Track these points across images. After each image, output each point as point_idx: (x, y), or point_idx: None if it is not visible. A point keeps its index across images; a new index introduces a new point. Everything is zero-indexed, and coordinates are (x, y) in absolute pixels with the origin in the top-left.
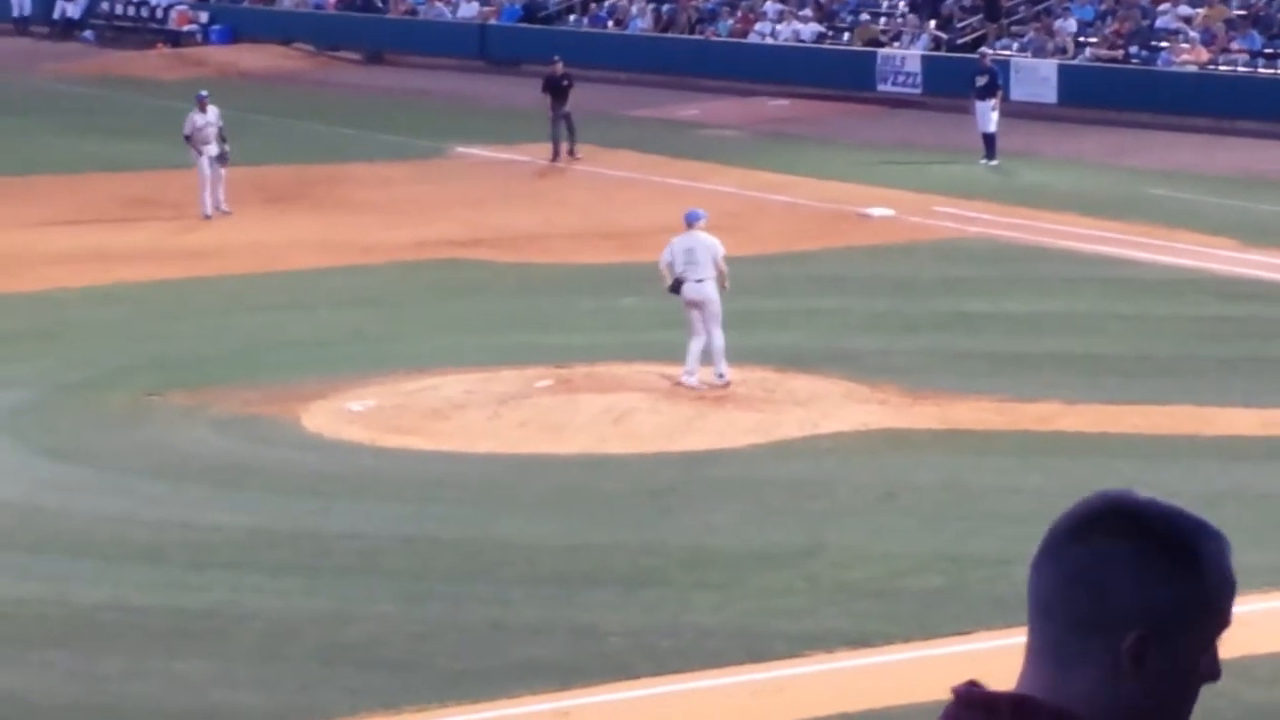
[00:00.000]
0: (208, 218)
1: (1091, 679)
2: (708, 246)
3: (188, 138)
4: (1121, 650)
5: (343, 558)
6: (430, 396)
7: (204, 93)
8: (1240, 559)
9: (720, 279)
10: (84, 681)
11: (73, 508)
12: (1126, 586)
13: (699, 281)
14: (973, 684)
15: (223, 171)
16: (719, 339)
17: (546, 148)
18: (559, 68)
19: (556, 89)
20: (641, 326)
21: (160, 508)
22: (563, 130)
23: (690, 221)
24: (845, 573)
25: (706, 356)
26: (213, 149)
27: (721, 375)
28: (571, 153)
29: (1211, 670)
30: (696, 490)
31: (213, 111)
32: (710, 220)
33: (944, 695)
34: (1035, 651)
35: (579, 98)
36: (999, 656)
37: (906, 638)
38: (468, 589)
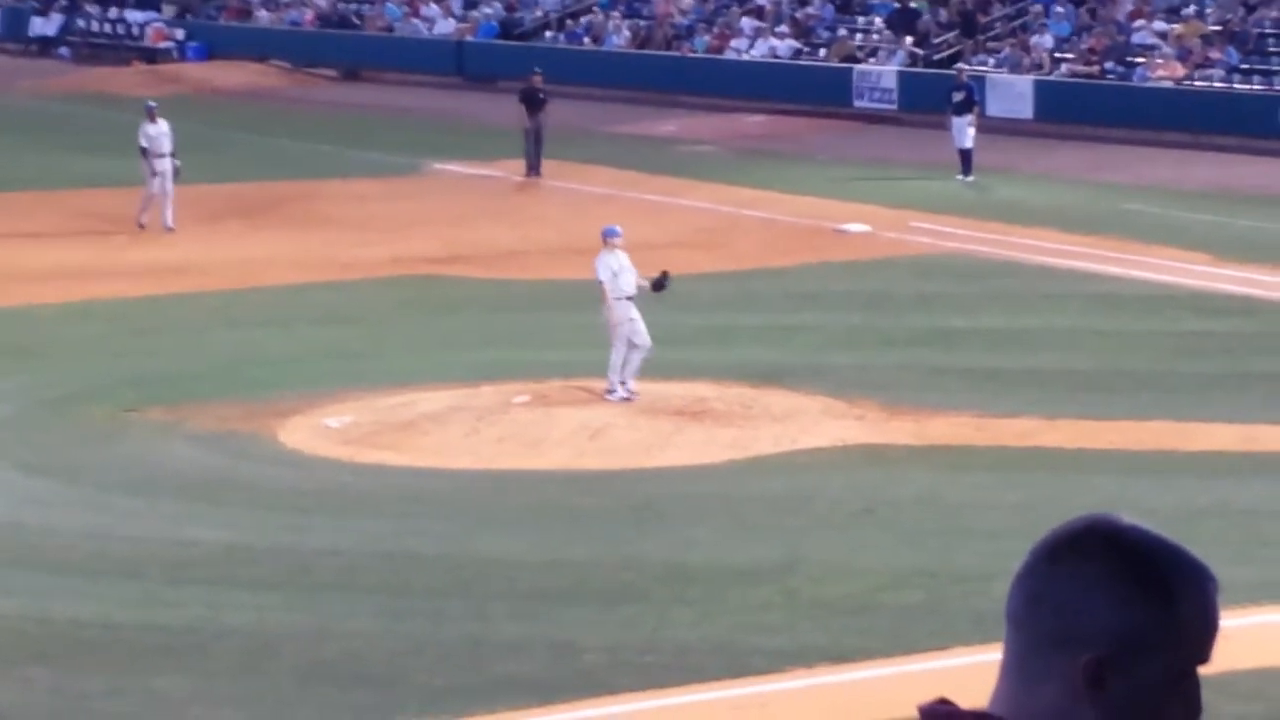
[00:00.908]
0: (143, 226)
1: (1051, 698)
2: (629, 264)
3: (144, 150)
4: (1076, 672)
5: (321, 574)
6: (408, 412)
7: (153, 103)
8: (1221, 574)
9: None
10: (64, 698)
11: (51, 523)
12: (1091, 607)
13: (630, 298)
14: (941, 701)
15: (170, 188)
16: (638, 355)
17: (523, 164)
18: (538, 80)
19: (532, 101)
20: None
21: (139, 523)
22: (530, 144)
23: (609, 237)
24: (823, 588)
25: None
26: (166, 164)
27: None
28: (536, 170)
29: (1189, 707)
30: (674, 506)
31: (164, 123)
32: (688, 236)
33: None
34: (1005, 667)
35: (557, 113)
36: (977, 672)
37: (885, 653)
38: (446, 605)
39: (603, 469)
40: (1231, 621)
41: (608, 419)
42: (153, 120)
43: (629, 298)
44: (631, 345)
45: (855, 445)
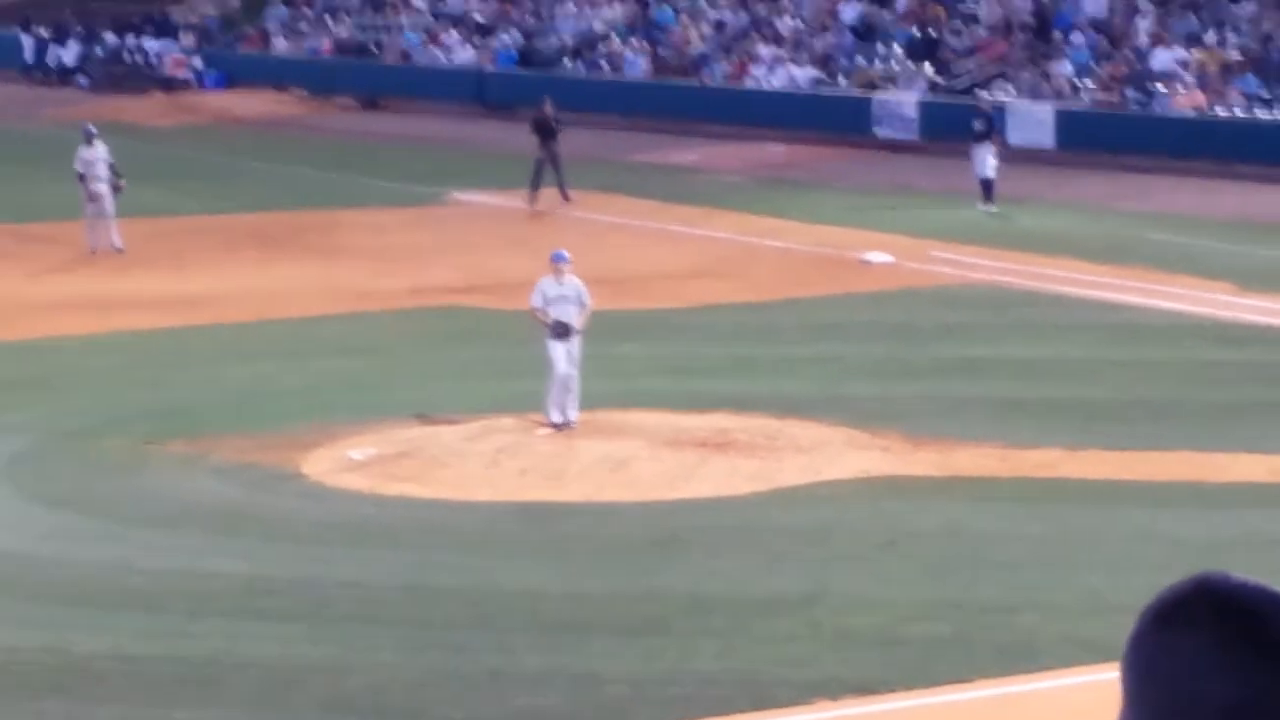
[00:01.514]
0: (94, 251)
1: None
2: (576, 289)
3: (80, 176)
4: None
5: (343, 606)
6: (430, 444)
7: (91, 128)
8: None
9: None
10: None
11: (70, 556)
12: (1204, 678)
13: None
14: None
15: (110, 209)
16: (576, 380)
17: (542, 194)
18: (548, 108)
19: (546, 131)
20: (640, 373)
21: (158, 556)
22: (549, 174)
23: (554, 262)
24: (847, 620)
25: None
26: (104, 187)
27: (571, 420)
28: (565, 196)
29: None
30: (697, 537)
31: (100, 146)
32: (708, 265)
33: None
34: None
35: (576, 141)
36: (1002, 705)
37: (909, 685)
38: (468, 637)
39: (625, 500)
40: None
41: (630, 451)
42: (89, 144)
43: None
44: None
45: (878, 476)
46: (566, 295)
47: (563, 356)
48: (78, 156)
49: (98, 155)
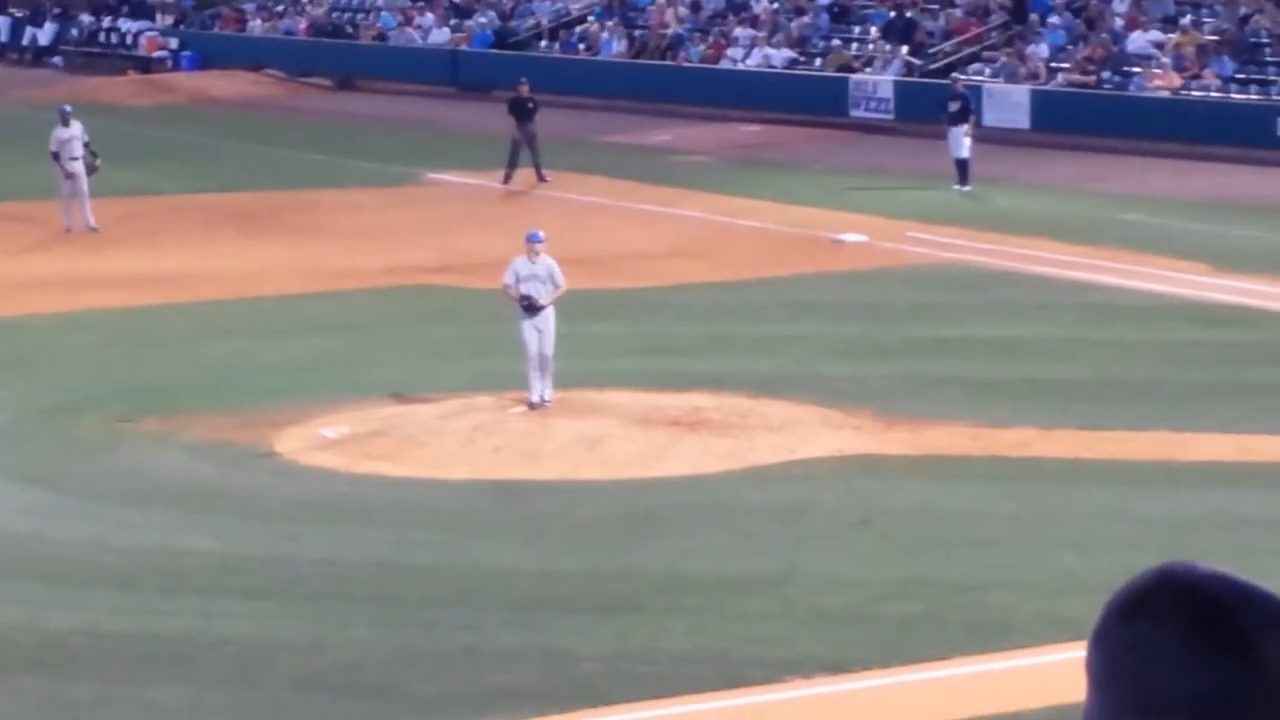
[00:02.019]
0: (69, 230)
1: None
2: (549, 268)
3: (55, 154)
4: None
5: (316, 584)
6: (404, 422)
7: (67, 108)
8: None
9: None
10: (55, 708)
11: (44, 533)
12: (1169, 673)
13: (548, 311)
14: None
15: (85, 188)
16: (551, 361)
17: (518, 174)
18: (524, 90)
19: (522, 111)
20: (615, 353)
21: (132, 533)
22: (525, 154)
23: (529, 242)
24: (821, 598)
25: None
26: (79, 166)
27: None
28: (541, 176)
29: None
30: (671, 516)
31: (76, 126)
32: (683, 245)
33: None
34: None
35: (552, 122)
36: (975, 682)
37: (883, 663)
38: (442, 615)
39: (599, 479)
40: None
41: (605, 429)
42: (65, 124)
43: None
44: (541, 354)
45: (852, 455)
46: (538, 274)
47: (534, 336)
48: (53, 136)
49: (73, 135)
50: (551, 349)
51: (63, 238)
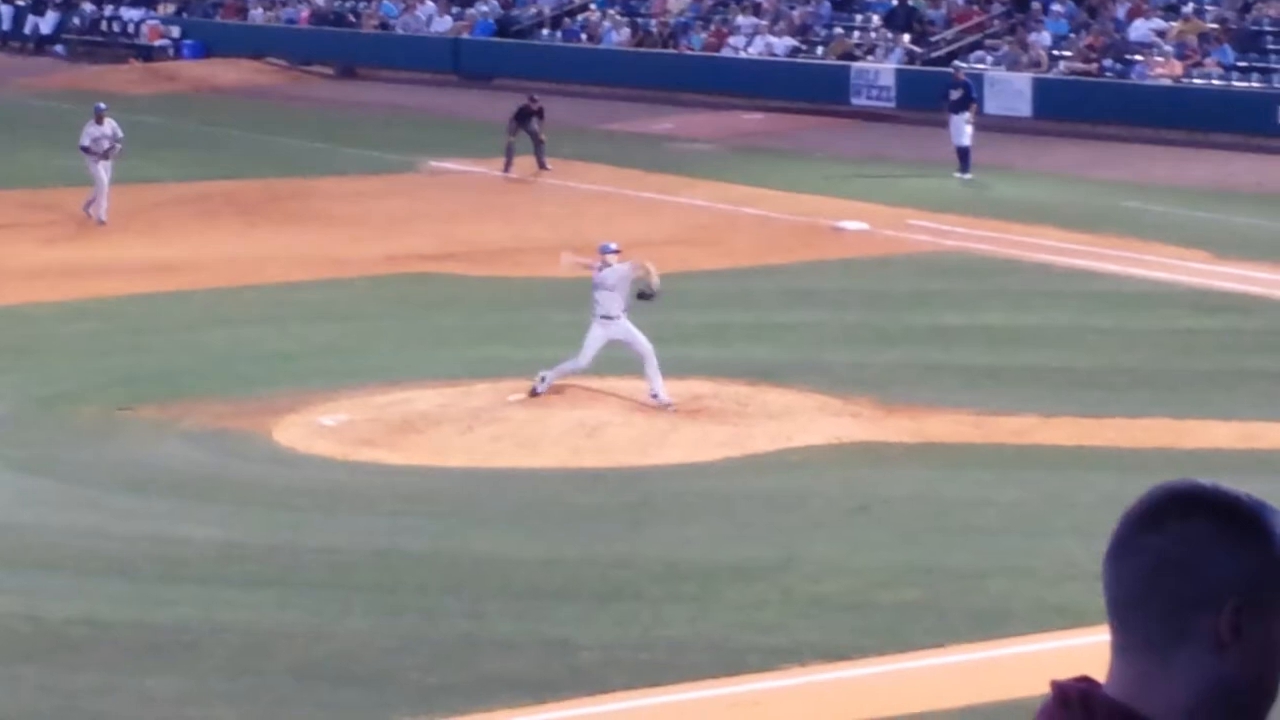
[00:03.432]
0: (91, 219)
1: (1189, 660)
2: (617, 276)
3: (85, 148)
4: (1220, 623)
5: (315, 572)
6: (403, 410)
7: (102, 105)
8: None
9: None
10: (55, 697)
11: (44, 522)
12: (1215, 560)
13: (614, 320)
14: (1081, 679)
15: (105, 180)
16: (577, 365)
17: (519, 162)
18: (533, 104)
19: (525, 119)
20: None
21: (131, 522)
22: (525, 144)
23: (603, 252)
24: (819, 586)
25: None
26: (109, 163)
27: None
28: (542, 164)
29: None
30: (669, 504)
31: (109, 124)
32: (685, 233)
33: (920, 708)
34: (1123, 648)
35: (554, 111)
36: (974, 670)
37: (881, 651)
38: (440, 603)
39: (598, 467)
40: None
41: (603, 417)
42: (99, 122)
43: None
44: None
45: (851, 443)
46: (605, 282)
47: (595, 343)
48: (85, 131)
49: (104, 133)
50: (643, 349)
51: (62, 223)
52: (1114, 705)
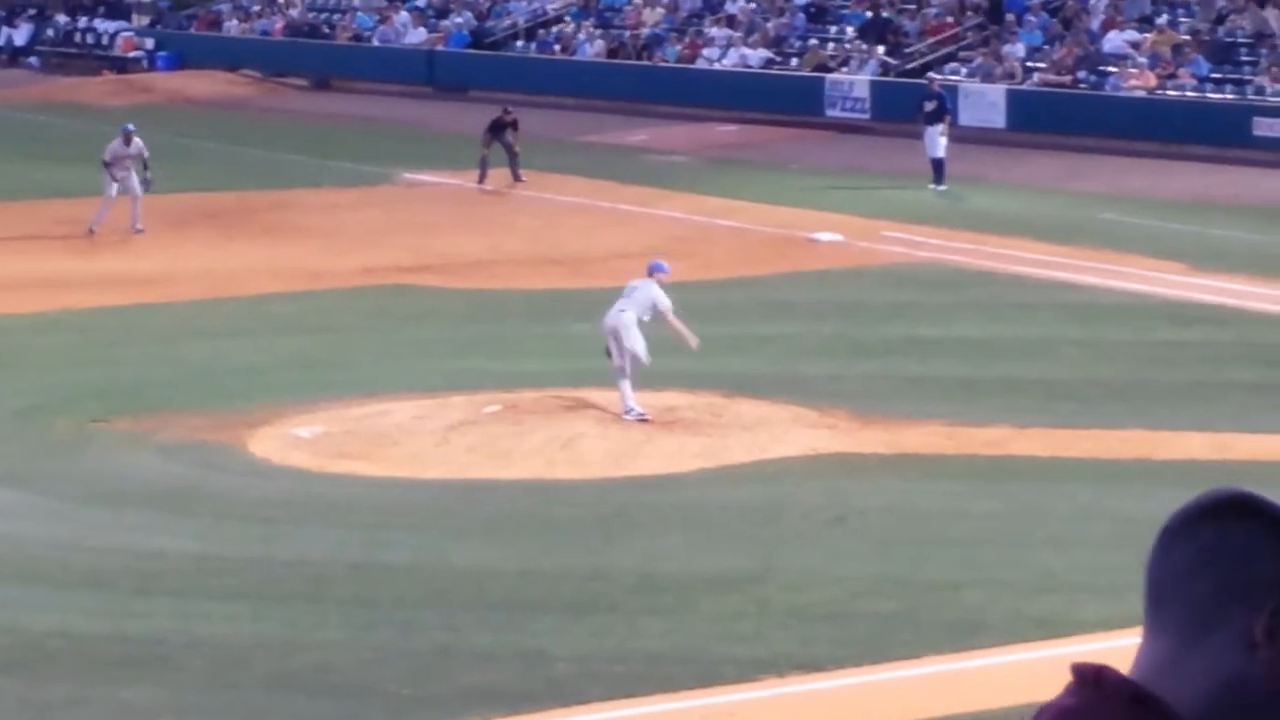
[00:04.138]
0: (92, 232)
1: (1217, 651)
2: (649, 292)
3: (106, 164)
4: (1258, 623)
5: (291, 584)
6: (378, 422)
7: (130, 126)
8: None
9: (681, 338)
10: (30, 709)
11: (18, 534)
12: (1266, 559)
13: (621, 310)
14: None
15: (140, 193)
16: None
17: (494, 174)
18: (507, 116)
19: (499, 130)
20: (591, 353)
21: (106, 534)
22: (499, 154)
23: (651, 271)
24: (796, 597)
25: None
26: (132, 177)
27: (630, 411)
28: (517, 177)
29: None
30: (645, 515)
31: (136, 145)
32: (661, 245)
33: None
34: (1153, 630)
35: (528, 123)
36: (950, 681)
37: (858, 662)
38: (416, 615)
39: (573, 479)
40: None
41: (578, 429)
42: (126, 143)
43: (620, 310)
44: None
45: (827, 454)
46: (638, 289)
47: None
48: (109, 149)
49: (130, 154)
50: (623, 361)
51: (35, 235)
52: (1126, 683)
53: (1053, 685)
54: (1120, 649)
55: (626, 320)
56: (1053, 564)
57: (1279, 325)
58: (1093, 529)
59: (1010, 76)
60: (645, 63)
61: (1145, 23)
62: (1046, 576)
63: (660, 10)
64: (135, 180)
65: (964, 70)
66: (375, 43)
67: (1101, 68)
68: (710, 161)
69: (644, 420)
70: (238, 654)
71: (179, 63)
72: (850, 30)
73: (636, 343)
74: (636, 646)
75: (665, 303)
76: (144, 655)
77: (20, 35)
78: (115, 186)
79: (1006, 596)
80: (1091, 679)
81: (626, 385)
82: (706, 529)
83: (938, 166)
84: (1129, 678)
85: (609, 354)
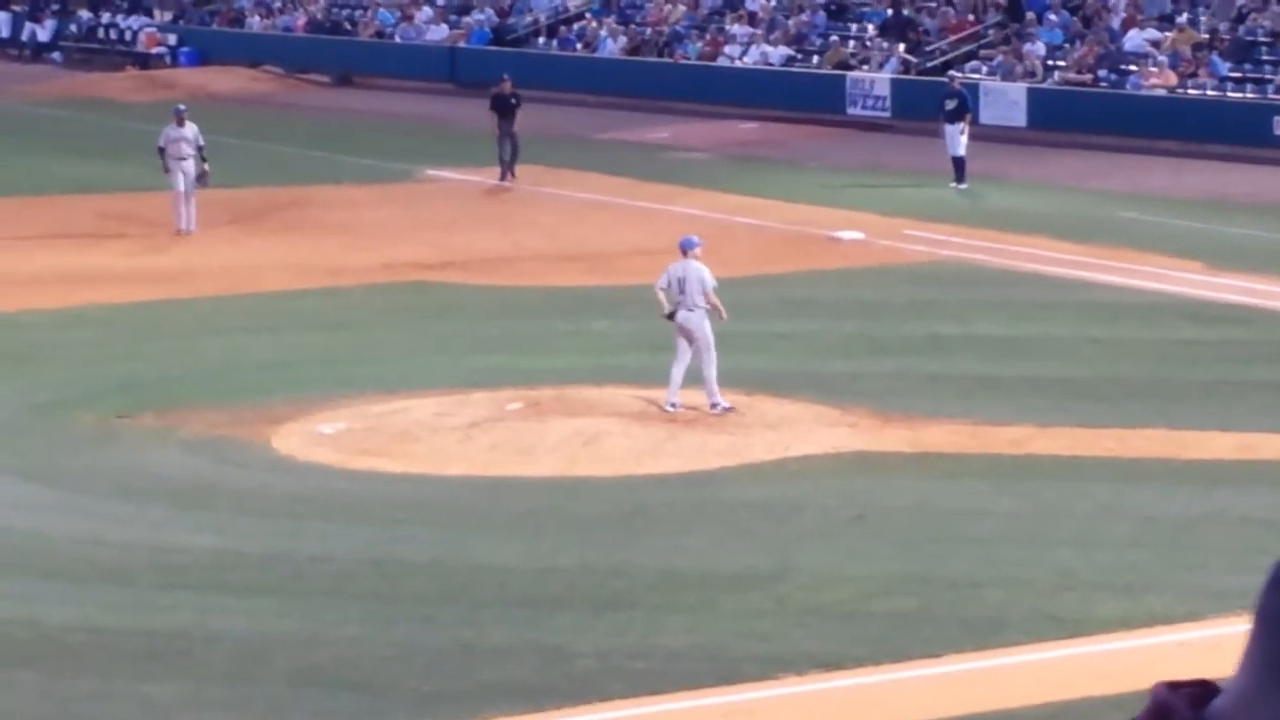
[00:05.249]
0: (180, 231)
1: None
2: (698, 276)
3: (161, 149)
4: None
5: (312, 580)
6: (401, 419)
7: (182, 107)
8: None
9: (715, 311)
10: (52, 702)
11: (41, 528)
12: None
13: (689, 310)
14: (1195, 683)
15: (183, 189)
16: (708, 370)
17: (497, 169)
18: (507, 86)
19: (504, 108)
20: (613, 349)
21: (128, 529)
22: (507, 149)
23: (685, 248)
24: (815, 595)
25: (689, 380)
26: (188, 166)
27: (715, 405)
28: (511, 174)
29: None
30: (666, 513)
31: (190, 128)
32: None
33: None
34: (1247, 664)
35: (549, 119)
36: (969, 680)
37: (876, 660)
38: (437, 611)
39: (595, 476)
40: (1226, 630)
41: (601, 426)
42: (180, 124)
43: (689, 310)
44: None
45: (848, 452)
46: (688, 277)
47: (683, 345)
48: (163, 133)
49: (184, 135)
50: (711, 352)
51: (58, 232)
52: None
53: (1071, 684)
54: (1140, 648)
55: (697, 320)
56: (1073, 563)
57: None
58: (1114, 529)
59: (1031, 75)
60: (666, 60)
61: (1166, 21)
62: (1066, 575)
63: (681, 7)
64: (189, 181)
65: (985, 68)
66: (397, 39)
67: (1122, 66)
68: (731, 159)
69: (729, 410)
70: (259, 649)
71: (201, 59)
72: (871, 28)
73: (710, 335)
74: (657, 643)
75: (711, 281)
76: (166, 650)
77: (44, 31)
78: (182, 180)
79: (1026, 595)
80: (1157, 713)
81: (679, 373)
82: (727, 527)
83: (958, 165)
84: (1208, 709)
85: (680, 349)
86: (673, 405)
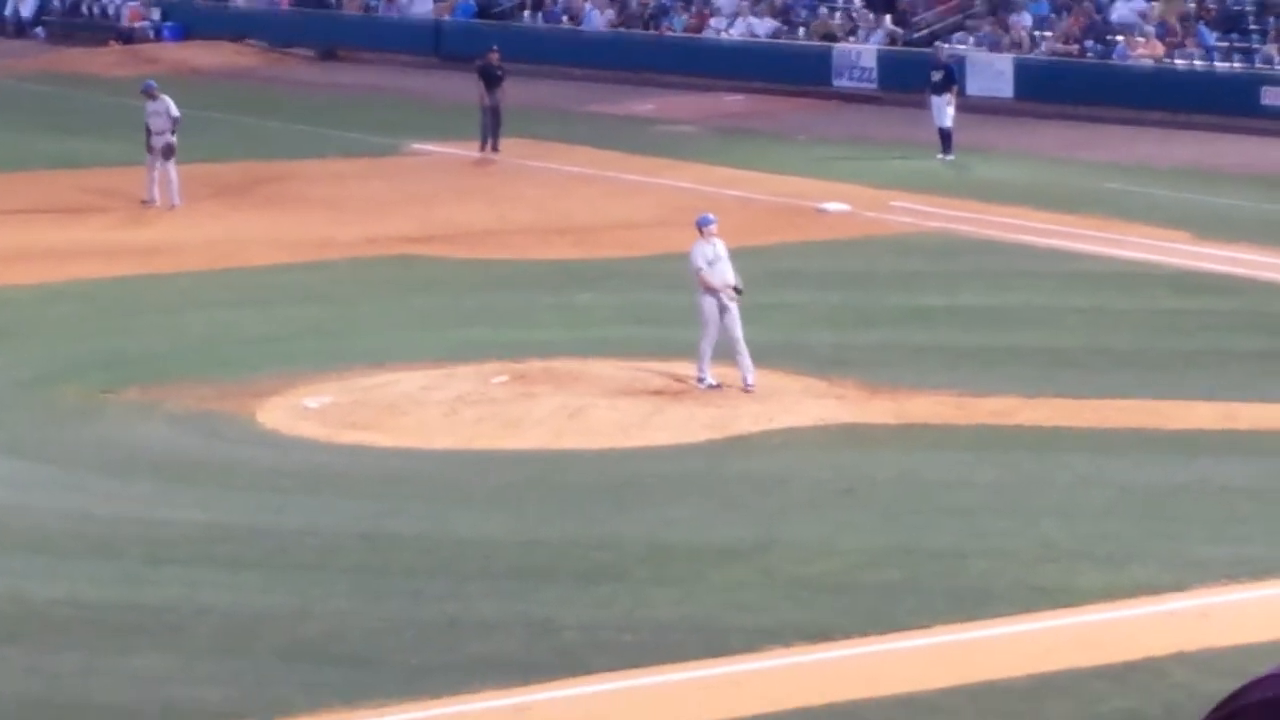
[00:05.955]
0: (145, 202)
1: None
2: (727, 254)
3: (147, 128)
4: None
5: (299, 554)
6: (386, 392)
7: (152, 83)
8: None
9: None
10: (40, 677)
11: (27, 504)
12: None
13: (733, 300)
14: None
15: (167, 165)
16: (737, 347)
17: (478, 142)
18: (494, 57)
19: (490, 78)
20: (599, 322)
21: (115, 504)
22: (489, 120)
23: (701, 226)
24: (802, 567)
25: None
26: (161, 140)
27: (702, 379)
28: (495, 147)
29: None
30: (653, 485)
31: (162, 101)
32: (668, 215)
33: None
34: None
35: (535, 93)
36: (955, 650)
37: (863, 632)
38: (425, 585)
39: (581, 449)
40: (1210, 599)
41: (587, 399)
42: (152, 98)
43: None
44: (729, 336)
45: (835, 424)
46: (721, 255)
47: (715, 315)
48: (146, 110)
49: (157, 110)
50: (739, 330)
51: (42, 208)
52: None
53: (1054, 654)
54: (1124, 619)
55: (736, 311)
56: (1057, 534)
57: None
58: (1097, 498)
59: (1017, 46)
60: (653, 33)
61: None
62: (1050, 546)
63: None
64: (159, 155)
65: (971, 40)
66: (381, 13)
67: (1109, 37)
68: (718, 132)
69: (715, 388)
70: (247, 623)
71: (185, 33)
72: (857, 0)
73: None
74: (644, 616)
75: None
76: (154, 624)
77: (27, 6)
78: (150, 158)
79: (1011, 566)
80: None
81: (707, 350)
82: (714, 499)
83: (945, 136)
84: None
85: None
86: (705, 381)
